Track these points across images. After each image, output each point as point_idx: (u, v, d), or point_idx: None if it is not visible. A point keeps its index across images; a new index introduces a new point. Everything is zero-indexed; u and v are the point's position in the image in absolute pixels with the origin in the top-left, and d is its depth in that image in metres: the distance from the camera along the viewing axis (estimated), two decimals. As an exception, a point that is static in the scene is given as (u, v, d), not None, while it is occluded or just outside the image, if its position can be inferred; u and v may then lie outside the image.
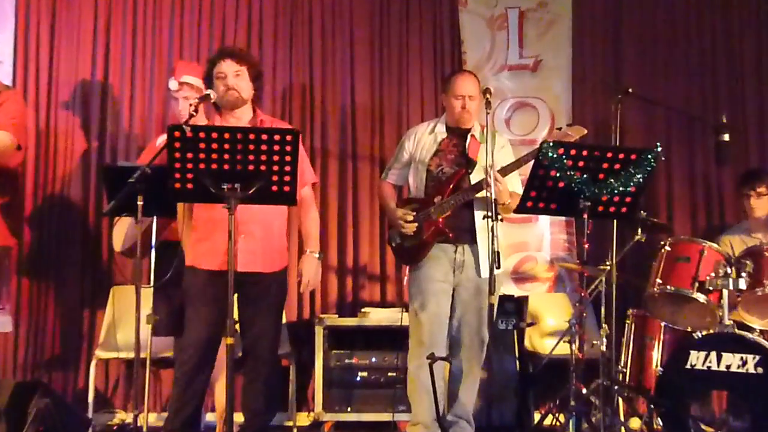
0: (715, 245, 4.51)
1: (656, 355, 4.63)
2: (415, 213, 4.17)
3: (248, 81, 3.84)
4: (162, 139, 4.12)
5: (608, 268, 4.24)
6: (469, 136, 4.19)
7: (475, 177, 4.09)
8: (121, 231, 4.35)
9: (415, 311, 4.16)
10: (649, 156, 3.69)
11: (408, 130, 4.43)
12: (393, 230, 4.27)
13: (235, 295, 3.61)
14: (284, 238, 3.91)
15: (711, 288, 4.29)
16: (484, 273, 3.97)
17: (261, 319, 3.78)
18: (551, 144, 3.62)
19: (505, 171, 4.00)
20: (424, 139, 4.26)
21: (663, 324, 4.63)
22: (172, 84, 4.40)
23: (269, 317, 3.82)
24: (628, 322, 4.81)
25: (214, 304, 3.68)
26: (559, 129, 4.05)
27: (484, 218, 3.75)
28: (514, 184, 4.17)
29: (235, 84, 3.79)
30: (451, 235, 4.08)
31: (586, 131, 3.99)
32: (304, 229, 3.95)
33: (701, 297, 4.36)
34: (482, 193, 3.91)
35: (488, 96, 3.90)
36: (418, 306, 4.15)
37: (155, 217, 4.00)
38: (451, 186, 4.09)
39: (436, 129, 4.27)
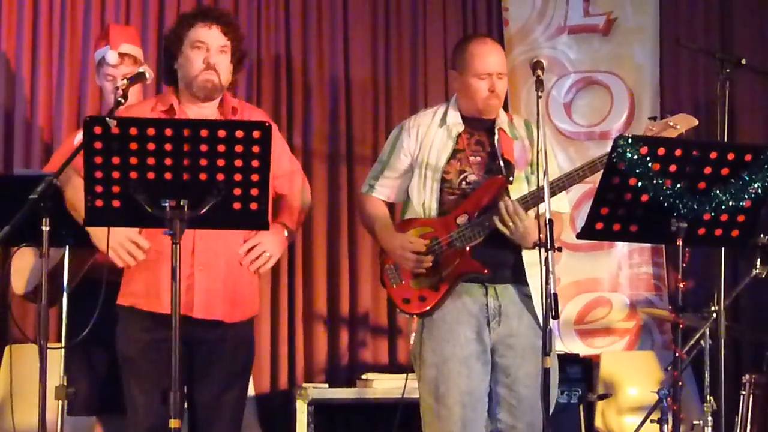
0: None
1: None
2: (428, 241, 4.13)
3: (229, 63, 3.83)
4: (79, 137, 4.13)
5: (714, 315, 4.24)
6: (497, 131, 4.15)
7: (517, 188, 4.07)
8: (24, 266, 4.35)
9: (432, 392, 4.01)
10: (771, 156, 3.70)
11: (404, 122, 4.27)
12: (391, 266, 4.19)
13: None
14: (255, 276, 3.90)
15: None
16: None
17: (216, 390, 3.78)
18: (629, 140, 3.63)
19: (552, 190, 3.90)
20: (431, 135, 4.20)
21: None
22: (111, 57, 4.38)
23: (229, 388, 3.82)
24: (744, 393, 4.81)
25: (161, 366, 3.67)
26: (654, 119, 4.01)
27: (534, 246, 3.73)
28: (560, 198, 4.15)
29: (218, 64, 3.78)
30: (486, 270, 4.04)
31: (697, 122, 3.98)
32: (282, 201, 3.97)
33: None
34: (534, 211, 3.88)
35: (539, 72, 3.87)
36: (439, 381, 4.00)
37: (68, 248, 4.01)
38: (484, 201, 4.06)
39: (448, 119, 4.20)
